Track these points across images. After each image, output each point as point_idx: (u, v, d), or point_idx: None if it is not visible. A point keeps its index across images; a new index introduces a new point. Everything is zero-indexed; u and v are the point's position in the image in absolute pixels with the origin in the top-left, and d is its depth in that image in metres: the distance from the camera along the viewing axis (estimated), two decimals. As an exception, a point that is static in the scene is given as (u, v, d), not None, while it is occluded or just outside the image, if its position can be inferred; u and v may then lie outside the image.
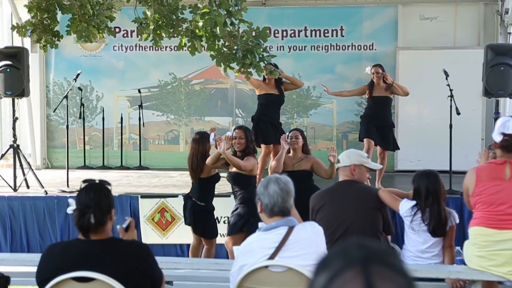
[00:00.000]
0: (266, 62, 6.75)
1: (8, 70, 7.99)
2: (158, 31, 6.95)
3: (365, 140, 8.03)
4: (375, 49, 10.48)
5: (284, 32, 10.68)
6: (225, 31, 6.38)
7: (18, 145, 8.12)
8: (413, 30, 10.37)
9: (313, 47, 10.64)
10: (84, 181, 3.13)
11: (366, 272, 1.08)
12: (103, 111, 10.90)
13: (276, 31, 10.61)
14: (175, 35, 7.13)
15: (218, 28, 6.14)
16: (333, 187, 4.81)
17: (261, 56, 6.63)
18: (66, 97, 8.19)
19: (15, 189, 7.82)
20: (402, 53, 10.19)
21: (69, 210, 3.10)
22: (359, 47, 10.53)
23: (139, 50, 10.90)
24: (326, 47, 10.60)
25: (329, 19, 10.60)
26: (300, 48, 10.67)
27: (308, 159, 6.55)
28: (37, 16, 7.50)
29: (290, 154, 6.55)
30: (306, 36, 10.64)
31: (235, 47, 6.52)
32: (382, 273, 1.09)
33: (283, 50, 10.63)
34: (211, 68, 9.96)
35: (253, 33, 6.76)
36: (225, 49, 6.65)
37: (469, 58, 9.64)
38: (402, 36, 10.39)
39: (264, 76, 7.97)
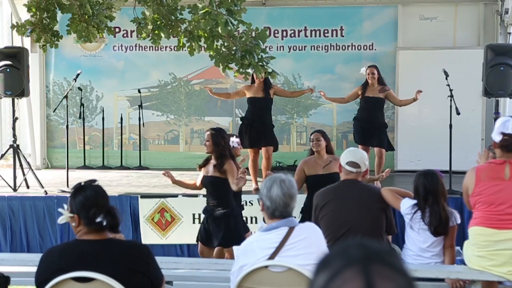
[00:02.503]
0: (265, 63, 6.76)
1: (8, 70, 7.99)
2: (156, 31, 6.95)
3: (360, 147, 8.09)
4: (375, 49, 10.48)
5: (284, 32, 10.67)
6: (227, 30, 6.39)
7: (18, 145, 8.13)
8: (413, 30, 10.37)
9: (313, 47, 10.63)
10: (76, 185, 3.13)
11: (366, 271, 1.08)
12: (103, 111, 10.89)
13: (276, 31, 10.61)
14: (174, 35, 7.14)
15: (219, 27, 6.14)
16: (338, 185, 4.81)
17: (260, 56, 6.63)
18: (66, 97, 8.19)
19: (15, 189, 7.83)
20: (402, 53, 10.19)
21: (61, 220, 3.09)
22: (359, 47, 10.53)
23: (139, 50, 10.90)
24: (326, 47, 10.60)
25: (329, 19, 10.60)
26: (300, 48, 10.67)
27: (337, 160, 6.19)
28: (37, 16, 7.50)
29: (315, 158, 6.29)
30: (306, 36, 10.64)
31: (234, 48, 6.52)
32: (382, 272, 1.09)
33: (283, 50, 10.63)
34: (211, 68, 9.95)
35: (252, 34, 6.77)
36: (224, 50, 6.66)
37: (469, 58, 9.63)
38: (402, 36, 10.39)
39: (253, 78, 8.04)
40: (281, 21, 10.69)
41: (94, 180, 3.15)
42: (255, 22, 6.97)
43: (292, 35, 10.68)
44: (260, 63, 6.57)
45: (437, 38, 10.26)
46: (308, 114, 10.82)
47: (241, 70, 6.79)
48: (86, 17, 7.38)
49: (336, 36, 10.57)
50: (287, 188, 3.34)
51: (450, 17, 10.39)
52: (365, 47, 10.52)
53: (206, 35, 6.56)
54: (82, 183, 3.11)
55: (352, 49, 10.55)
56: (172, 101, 11.01)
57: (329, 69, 10.62)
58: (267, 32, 6.90)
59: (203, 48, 7.00)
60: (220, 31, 6.22)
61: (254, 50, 6.47)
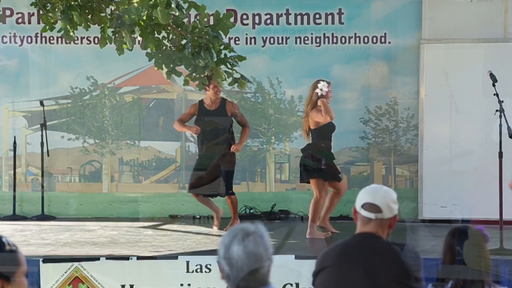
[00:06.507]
0: (229, 64, 6.78)
1: None
2: (70, 17, 6.93)
3: None
4: (389, 42, 10.57)
5: (256, 18, 10.72)
6: (169, 15, 6.39)
7: None
8: (444, 16, 10.48)
9: (298, 39, 10.68)
10: None
11: None
12: (-14, 133, 10.83)
13: (245, 16, 10.65)
14: (95, 23, 7.14)
15: (158, 12, 6.13)
16: (346, 242, 4.79)
17: (221, 56, 6.66)
18: None
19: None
20: (428, 47, 10.27)
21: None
22: (366, 40, 10.61)
23: (42, 43, 10.85)
24: (318, 40, 10.66)
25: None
26: (280, 41, 10.71)
27: None
28: None
29: None
30: (288, 23, 10.69)
31: (183, 42, 6.54)
32: None
33: (255, 43, 10.66)
34: (149, 69, 9.95)
35: (210, 21, 6.82)
36: (168, 44, 6.68)
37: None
38: (429, 24, 10.49)
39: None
40: (252, 1, 10.74)
41: None
42: (215, 4, 7.02)
43: (268, 21, 10.72)
44: (222, 65, 6.60)
45: (479, 27, 10.37)
46: (291, 137, 10.83)
47: (194, 74, 6.81)
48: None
49: (333, 23, 10.64)
50: (253, 245, 3.32)
51: (498, -3, 10.51)
52: (374, 40, 10.60)
53: (142, 23, 6.57)
54: None
55: (355, 42, 10.63)
56: (92, 118, 10.96)
57: (323, 72, 10.62)
58: (232, 19, 6.93)
59: (138, 42, 7.00)
60: (159, 18, 6.21)
61: (212, 46, 6.49)
